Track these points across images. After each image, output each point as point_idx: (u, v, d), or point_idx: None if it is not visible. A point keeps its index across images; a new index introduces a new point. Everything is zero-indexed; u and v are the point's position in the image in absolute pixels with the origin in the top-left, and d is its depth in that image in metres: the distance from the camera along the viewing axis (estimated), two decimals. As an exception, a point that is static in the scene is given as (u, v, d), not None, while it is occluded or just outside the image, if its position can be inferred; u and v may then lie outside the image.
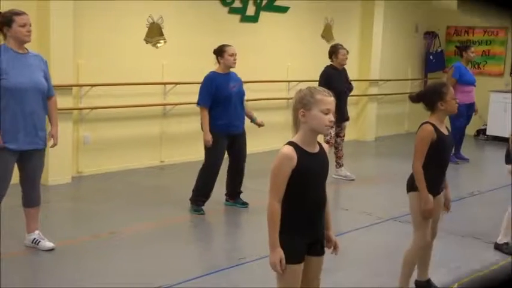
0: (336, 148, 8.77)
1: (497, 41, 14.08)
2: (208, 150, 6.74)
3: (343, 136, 8.82)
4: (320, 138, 3.35)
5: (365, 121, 12.99)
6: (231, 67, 6.77)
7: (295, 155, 3.12)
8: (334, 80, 8.34)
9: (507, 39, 13.96)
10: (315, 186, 3.22)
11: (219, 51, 6.74)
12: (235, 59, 6.73)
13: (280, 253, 3.11)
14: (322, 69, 8.60)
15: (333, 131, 8.45)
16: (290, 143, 3.18)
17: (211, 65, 6.94)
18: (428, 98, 4.47)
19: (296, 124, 3.21)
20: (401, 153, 10.52)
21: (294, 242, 3.17)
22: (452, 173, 9.98)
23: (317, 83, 8.51)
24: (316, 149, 3.24)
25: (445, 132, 4.50)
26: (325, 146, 3.34)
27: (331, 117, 3.16)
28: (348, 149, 9.07)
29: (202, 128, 6.72)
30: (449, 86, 4.49)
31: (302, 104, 3.16)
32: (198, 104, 6.73)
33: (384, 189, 8.49)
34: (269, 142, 9.94)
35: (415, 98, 4.55)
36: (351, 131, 11.91)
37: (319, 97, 3.15)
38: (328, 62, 8.60)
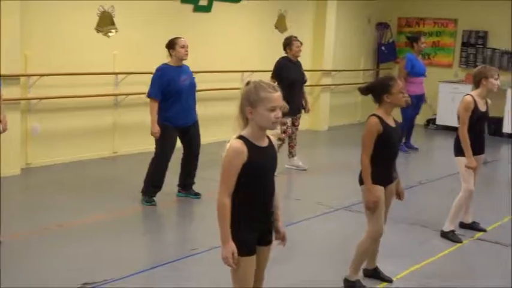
0: (289, 137, 8.77)
1: (447, 32, 14.28)
2: (158, 141, 6.67)
3: (298, 125, 8.82)
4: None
5: (318, 111, 13.01)
6: (182, 59, 6.71)
7: (246, 149, 3.11)
8: (288, 70, 8.36)
9: (456, 30, 14.17)
10: (264, 179, 3.22)
11: (170, 44, 6.67)
12: (186, 51, 6.67)
13: (232, 247, 3.11)
14: (275, 59, 8.59)
15: (289, 121, 8.43)
16: (240, 137, 3.16)
17: (163, 55, 6.83)
18: (375, 90, 4.51)
19: (243, 118, 3.18)
20: (353, 143, 10.47)
21: (246, 234, 3.17)
22: (402, 162, 10.10)
23: (269, 73, 8.50)
24: (266, 143, 3.23)
25: (392, 124, 4.52)
26: (274, 138, 3.33)
27: (277, 113, 3.13)
28: (301, 139, 9.08)
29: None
30: (396, 80, 4.51)
31: (248, 102, 3.13)
32: (148, 95, 6.66)
33: (335, 179, 8.52)
34: (223, 132, 9.84)
35: (363, 90, 4.58)
36: (304, 121, 11.89)
37: (264, 95, 3.12)
38: (283, 53, 8.58)
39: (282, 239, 3.40)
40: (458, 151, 5.88)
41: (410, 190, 7.94)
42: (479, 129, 5.94)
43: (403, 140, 10.80)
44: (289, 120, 8.43)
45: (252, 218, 3.18)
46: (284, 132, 8.38)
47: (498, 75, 5.90)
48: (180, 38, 6.71)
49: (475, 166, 5.81)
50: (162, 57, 6.83)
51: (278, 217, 3.38)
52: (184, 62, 6.80)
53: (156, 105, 6.56)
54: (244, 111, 3.15)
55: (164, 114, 6.61)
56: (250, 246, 3.19)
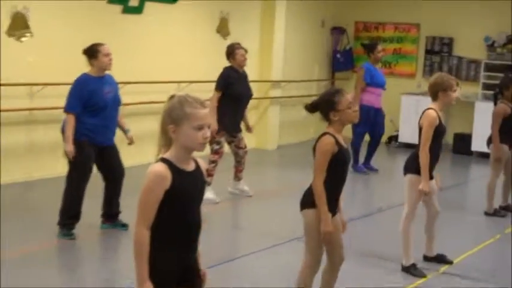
0: (237, 161, 8.77)
1: (408, 38, 14.56)
2: (72, 163, 6.57)
3: (245, 147, 8.79)
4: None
5: (266, 127, 13.05)
6: (106, 69, 6.63)
7: (169, 174, 3.06)
8: (234, 82, 8.37)
9: (419, 36, 14.46)
10: (190, 209, 3.18)
11: (91, 52, 6.58)
12: (110, 60, 6.59)
13: None
14: (217, 68, 8.58)
15: (223, 140, 8.41)
16: (162, 160, 3.11)
17: (84, 63, 6.72)
18: (321, 108, 4.55)
19: (165, 137, 3.14)
20: (306, 164, 10.51)
21: (164, 275, 3.11)
22: (360, 186, 10.21)
23: (211, 84, 8.47)
24: (192, 167, 3.19)
25: (344, 144, 4.57)
26: (202, 162, 3.29)
27: (205, 132, 3.10)
28: (247, 159, 9.04)
29: (63, 136, 6.56)
30: (343, 94, 4.53)
31: (171, 119, 3.08)
32: (65, 110, 6.56)
33: (286, 205, 8.38)
34: (153, 153, 9.74)
35: (310, 108, 4.61)
36: (250, 139, 11.88)
37: (189, 111, 3.07)
38: (227, 62, 8.57)
39: (202, 278, 3.32)
40: (411, 169, 5.94)
41: (369, 218, 7.99)
42: (439, 147, 6.02)
43: (361, 161, 10.92)
44: (223, 139, 8.39)
45: (173, 253, 3.14)
46: (216, 152, 8.33)
47: (457, 84, 5.98)
48: (103, 44, 6.64)
49: (429, 192, 5.86)
50: (85, 67, 6.72)
51: (200, 255, 3.31)
52: (109, 71, 6.73)
53: (73, 121, 6.47)
54: (167, 130, 3.10)
55: (80, 128, 6.51)
56: (169, 285, 3.14)
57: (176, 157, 3.11)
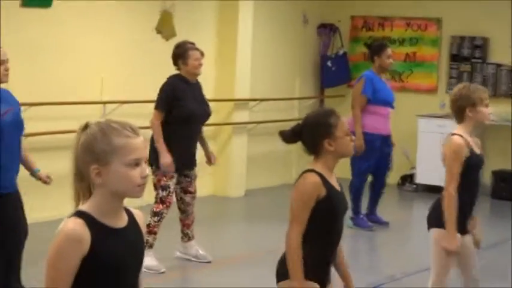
0: (183, 212, 8.73)
1: (426, 39, 14.74)
2: None
3: (195, 192, 8.77)
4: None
5: (228, 165, 13.05)
6: (1, 81, 6.59)
7: (87, 233, 3.02)
8: (183, 96, 8.41)
9: (440, 36, 14.61)
10: (121, 283, 3.14)
11: None
12: (6, 69, 6.56)
13: None
14: (158, 81, 8.64)
15: (172, 184, 8.38)
16: (78, 214, 3.08)
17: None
18: (308, 134, 4.58)
19: (82, 183, 3.13)
20: (285, 217, 10.58)
21: None
22: (365, 246, 10.22)
23: (149, 103, 8.47)
24: (123, 222, 3.17)
25: (336, 185, 4.59)
26: (138, 213, 3.28)
27: (144, 169, 3.10)
28: (202, 211, 9.04)
29: None
30: (339, 116, 4.58)
31: (93, 156, 3.07)
32: None
33: (257, 275, 8.45)
34: (66, 202, 9.68)
35: (289, 136, 4.66)
36: (205, 182, 11.88)
37: (120, 142, 3.07)
38: (169, 72, 8.63)
39: None
40: (437, 220, 5.96)
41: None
42: (474, 186, 6.02)
43: (365, 211, 10.95)
44: (172, 182, 8.39)
45: None
46: (162, 202, 8.31)
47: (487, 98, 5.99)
48: None
49: (456, 249, 5.85)
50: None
51: None
52: (4, 85, 6.68)
53: None
54: (86, 173, 3.09)
55: None
56: None
57: (99, 208, 3.10)
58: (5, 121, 6.54)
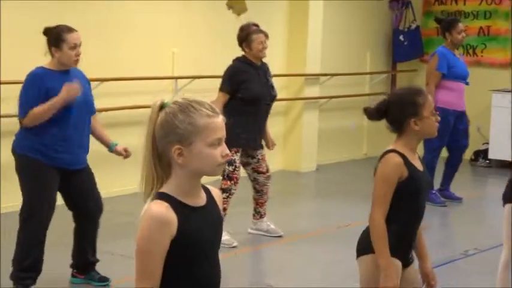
0: (257, 191, 8.84)
1: (500, 13, 14.56)
2: (26, 192, 6.71)
3: (267, 171, 8.83)
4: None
5: (299, 140, 13.13)
6: (70, 66, 6.78)
7: (174, 215, 3.07)
8: (248, 79, 8.45)
9: (514, 9, 14.45)
10: (206, 259, 3.20)
11: (55, 39, 6.65)
12: (78, 54, 6.69)
13: None
14: (228, 57, 8.68)
15: (238, 158, 8.46)
16: (162, 197, 3.11)
17: (41, 51, 6.82)
18: (395, 112, 4.56)
19: (160, 164, 3.14)
20: (356, 193, 10.67)
21: None
22: (438, 222, 10.23)
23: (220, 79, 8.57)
24: (203, 200, 3.22)
25: (419, 165, 4.60)
26: (215, 190, 3.33)
27: (224, 149, 3.13)
28: (273, 187, 9.09)
29: (16, 157, 6.73)
30: (427, 95, 4.57)
31: (177, 137, 3.07)
32: (19, 117, 6.67)
33: (328, 250, 8.55)
34: (137, 179, 9.81)
35: (374, 114, 4.63)
36: (276, 157, 11.97)
37: (202, 122, 3.08)
38: (239, 48, 8.67)
39: None
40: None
41: (451, 266, 8.01)
42: None
43: (438, 186, 10.96)
44: (237, 157, 8.45)
45: None
46: (229, 178, 8.39)
47: None
48: (71, 31, 6.70)
49: None
50: (39, 58, 6.83)
51: None
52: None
53: (34, 108, 6.56)
54: (168, 153, 3.10)
55: (34, 144, 6.64)
56: None
57: (180, 189, 3.13)
58: (75, 98, 6.72)
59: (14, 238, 6.84)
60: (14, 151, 6.78)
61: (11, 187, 7.27)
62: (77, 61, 6.72)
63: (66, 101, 6.52)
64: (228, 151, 3.14)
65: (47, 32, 6.73)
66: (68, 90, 6.51)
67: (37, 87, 6.61)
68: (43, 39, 6.79)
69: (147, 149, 3.13)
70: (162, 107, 3.12)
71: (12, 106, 7.98)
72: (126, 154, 7.07)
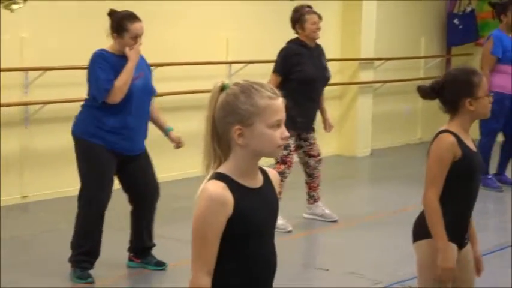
0: (309, 176, 8.89)
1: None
2: (85, 177, 6.83)
3: (319, 154, 8.88)
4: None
5: (354, 125, 13.19)
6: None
7: (231, 195, 3.10)
8: (301, 61, 8.49)
9: None
10: (262, 241, 3.24)
11: (118, 26, 6.74)
12: (140, 41, 6.77)
13: None
14: (282, 42, 8.72)
15: (292, 143, 8.51)
16: (219, 177, 3.14)
17: (102, 37, 6.93)
18: (450, 92, 4.54)
19: (219, 145, 3.17)
20: (411, 177, 10.67)
21: None
22: (493, 207, 10.21)
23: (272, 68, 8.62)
24: (260, 181, 3.25)
25: (472, 146, 4.59)
26: (273, 172, 3.36)
27: (284, 130, 3.15)
28: (327, 171, 9.16)
29: (75, 140, 6.83)
30: (482, 76, 4.56)
31: (238, 117, 3.10)
32: (101, 95, 6.71)
33: (384, 234, 8.59)
34: (196, 162, 9.92)
35: (428, 92, 4.61)
36: (331, 142, 12.02)
37: (263, 103, 3.11)
38: (293, 33, 8.71)
39: None
40: None
41: (507, 252, 7.99)
42: None
43: (494, 171, 10.94)
44: (292, 141, 8.48)
45: None
46: (283, 161, 8.44)
47: None
48: (136, 20, 6.77)
49: None
50: (99, 42, 6.92)
51: None
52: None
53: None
54: (227, 133, 3.13)
55: (96, 125, 6.74)
56: None
57: (238, 169, 3.15)
58: (135, 85, 6.77)
59: (69, 222, 6.97)
60: (74, 134, 6.89)
61: (70, 171, 7.36)
62: (138, 51, 6.79)
63: (135, 63, 6.66)
64: (287, 133, 3.16)
65: (111, 15, 6.81)
66: (132, 53, 6.65)
67: (106, 63, 6.70)
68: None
69: (207, 129, 3.15)
70: (222, 88, 3.14)
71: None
72: (178, 144, 7.17)
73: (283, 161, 8.40)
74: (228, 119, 3.11)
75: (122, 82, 6.61)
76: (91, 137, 6.75)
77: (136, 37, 6.72)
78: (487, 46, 10.82)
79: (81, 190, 6.88)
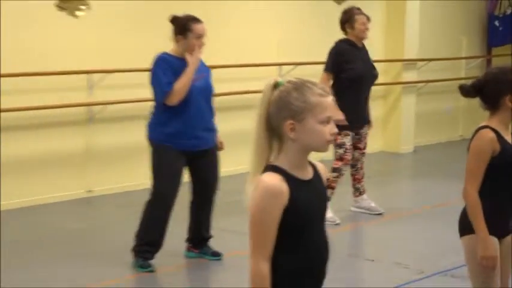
0: (353, 167, 8.94)
1: None
2: (155, 174, 6.92)
3: (364, 148, 8.97)
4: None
5: (398, 123, 13.22)
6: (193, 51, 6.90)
7: (286, 186, 3.17)
8: (351, 59, 8.54)
9: None
10: (315, 227, 3.30)
11: (182, 28, 6.83)
12: (202, 45, 6.87)
13: None
14: (330, 44, 8.76)
15: (348, 141, 8.59)
16: (274, 169, 3.24)
17: (159, 42, 7.05)
18: (490, 90, 4.55)
19: (273, 139, 3.24)
20: (453, 171, 10.62)
21: None
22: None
23: (323, 65, 8.65)
24: (310, 173, 3.32)
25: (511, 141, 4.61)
26: (320, 165, 3.43)
27: (333, 127, 3.21)
28: (372, 167, 9.20)
29: (150, 142, 6.92)
30: None
31: (290, 113, 3.16)
32: (160, 97, 6.83)
33: (427, 227, 8.62)
34: (247, 160, 10.00)
35: (469, 90, 4.62)
36: (376, 139, 12.03)
37: (314, 100, 3.17)
38: (341, 36, 8.77)
39: None
40: None
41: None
42: None
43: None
44: (347, 139, 8.54)
45: (301, 286, 3.27)
46: (341, 158, 8.50)
47: None
48: (198, 22, 6.87)
49: None
50: (157, 46, 7.03)
51: None
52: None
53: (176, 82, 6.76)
54: (280, 128, 3.19)
55: (162, 129, 6.83)
56: None
57: (290, 162, 3.21)
58: (195, 86, 6.83)
59: (131, 215, 7.07)
60: (147, 138, 7.01)
61: (132, 167, 7.48)
62: (199, 52, 6.88)
63: (195, 66, 6.74)
64: (336, 130, 3.22)
65: (174, 20, 6.90)
66: (193, 58, 6.72)
67: (169, 66, 6.79)
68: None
69: (261, 124, 3.20)
70: (276, 85, 3.20)
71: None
72: (220, 147, 7.25)
73: (341, 159, 8.50)
74: (281, 114, 3.16)
75: (181, 85, 6.70)
76: (159, 139, 6.86)
77: (199, 37, 6.83)
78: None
79: (153, 187, 6.98)
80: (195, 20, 6.87)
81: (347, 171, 8.78)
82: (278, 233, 3.17)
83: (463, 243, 4.66)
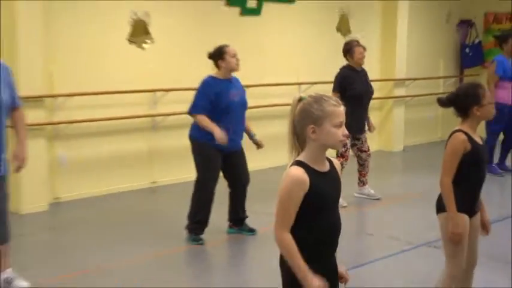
0: (361, 165, 9.00)
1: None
2: (199, 167, 6.97)
3: (368, 150, 8.99)
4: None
5: (391, 128, 13.18)
6: (233, 70, 6.96)
7: (307, 177, 3.23)
8: (352, 81, 8.57)
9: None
10: (330, 210, 3.34)
11: (218, 54, 6.89)
12: (238, 60, 6.92)
13: (316, 281, 3.19)
14: (339, 68, 8.80)
15: (348, 142, 8.58)
16: (298, 163, 3.28)
17: (207, 67, 7.09)
18: (461, 101, 4.56)
19: (298, 140, 3.31)
20: (434, 166, 10.56)
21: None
22: (496, 188, 10.13)
23: (331, 84, 8.69)
24: (327, 167, 3.37)
25: (479, 141, 4.61)
26: (336, 161, 3.47)
27: (344, 130, 3.28)
28: (371, 162, 9.21)
29: (192, 142, 6.98)
30: (485, 88, 4.58)
31: (312, 119, 3.24)
32: (190, 112, 6.91)
33: (414, 209, 8.63)
34: (277, 156, 10.11)
35: (445, 102, 4.64)
36: (374, 140, 12.03)
37: (330, 109, 3.25)
38: (344, 62, 8.78)
39: (344, 281, 3.49)
40: None
41: (507, 221, 7.96)
42: None
43: (497, 161, 10.92)
44: (348, 142, 8.52)
45: (316, 255, 3.30)
46: (342, 155, 8.50)
47: None
48: (228, 46, 6.94)
49: None
50: (206, 70, 7.09)
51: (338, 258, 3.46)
52: (235, 73, 7.05)
53: (204, 117, 6.78)
54: (304, 131, 3.26)
55: (203, 133, 6.85)
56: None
57: (311, 158, 3.27)
58: (233, 101, 6.90)
59: (186, 200, 7.16)
60: (190, 138, 7.05)
61: (187, 164, 7.51)
62: (237, 65, 6.92)
63: (216, 138, 6.70)
64: (347, 132, 3.29)
65: (211, 54, 6.96)
66: (220, 137, 6.71)
67: (207, 93, 6.81)
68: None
69: (290, 129, 3.30)
70: (300, 99, 3.29)
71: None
72: (259, 145, 7.27)
73: (342, 155, 8.48)
74: (305, 121, 3.25)
75: (204, 124, 6.78)
76: (202, 139, 6.88)
77: (234, 56, 6.88)
78: (492, 67, 10.79)
79: (197, 178, 7.03)
80: (225, 45, 6.94)
81: (348, 168, 8.69)
82: (302, 212, 3.23)
83: (439, 220, 4.68)
